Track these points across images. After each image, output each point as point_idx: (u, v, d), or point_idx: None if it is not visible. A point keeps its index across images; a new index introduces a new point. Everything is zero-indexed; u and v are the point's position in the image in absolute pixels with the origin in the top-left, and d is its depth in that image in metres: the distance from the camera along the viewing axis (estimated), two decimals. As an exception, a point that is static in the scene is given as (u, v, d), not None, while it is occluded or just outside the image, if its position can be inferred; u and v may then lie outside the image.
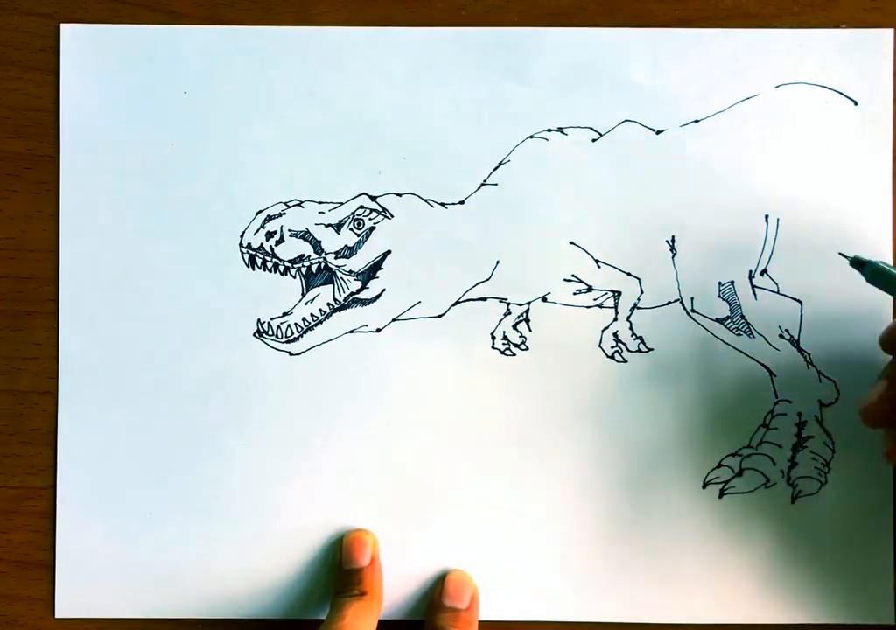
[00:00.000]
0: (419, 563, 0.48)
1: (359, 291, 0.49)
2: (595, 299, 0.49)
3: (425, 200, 0.49)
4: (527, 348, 0.49)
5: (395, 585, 0.48)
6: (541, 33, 0.49)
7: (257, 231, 0.48)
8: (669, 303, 0.49)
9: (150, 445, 0.49)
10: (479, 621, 0.48)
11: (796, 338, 0.48)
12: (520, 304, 0.49)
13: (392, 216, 0.49)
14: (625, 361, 0.49)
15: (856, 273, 0.48)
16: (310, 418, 0.49)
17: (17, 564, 0.49)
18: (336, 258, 0.49)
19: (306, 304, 0.49)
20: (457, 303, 0.49)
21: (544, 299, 0.49)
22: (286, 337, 0.49)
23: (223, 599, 0.49)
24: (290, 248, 0.48)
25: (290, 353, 0.49)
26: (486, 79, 0.49)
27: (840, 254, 0.46)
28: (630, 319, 0.49)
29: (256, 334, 0.49)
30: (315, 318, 0.49)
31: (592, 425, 0.48)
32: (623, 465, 0.48)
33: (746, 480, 0.48)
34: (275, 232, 0.48)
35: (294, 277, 0.49)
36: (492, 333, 0.49)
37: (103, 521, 0.49)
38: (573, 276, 0.49)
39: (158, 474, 0.49)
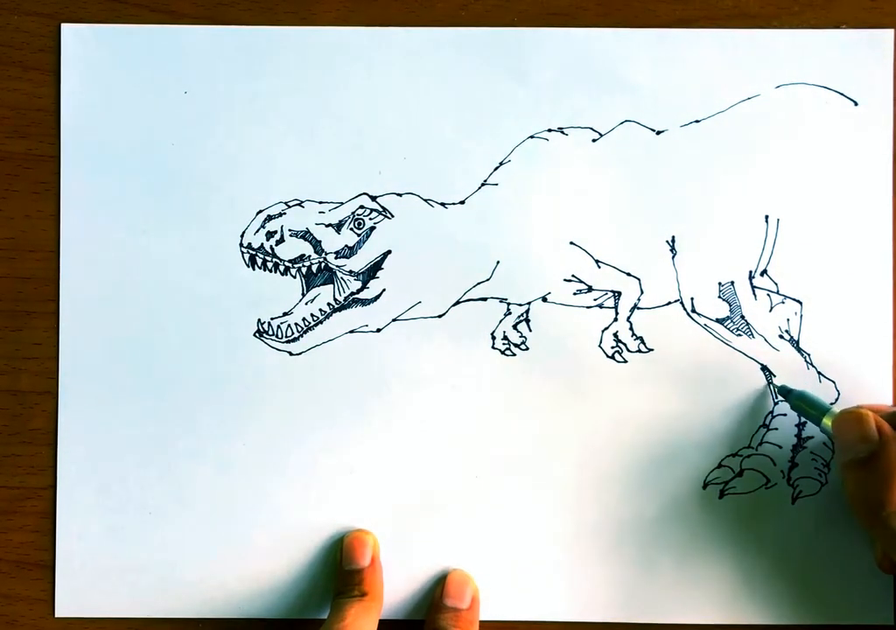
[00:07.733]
0: (420, 563, 0.48)
1: (359, 291, 0.49)
2: (595, 299, 0.49)
3: (425, 200, 0.49)
4: (527, 348, 0.49)
5: (396, 585, 0.48)
6: (541, 33, 0.49)
7: (257, 231, 0.48)
8: (669, 303, 0.49)
9: (149, 445, 0.49)
10: (480, 621, 0.48)
11: (796, 338, 0.48)
12: (520, 304, 0.49)
13: (392, 216, 0.49)
14: (625, 361, 0.49)
15: (856, 272, 0.48)
16: (310, 418, 0.49)
17: (17, 564, 0.49)
18: (336, 258, 0.49)
19: (306, 304, 0.49)
20: (457, 303, 0.49)
21: (544, 299, 0.49)
22: (286, 337, 0.49)
23: (223, 599, 0.49)
24: (291, 248, 0.48)
25: (290, 353, 0.49)
26: (486, 79, 0.49)
27: (769, 383, 0.48)
28: (630, 319, 0.49)
29: (256, 334, 0.49)
30: (315, 318, 0.49)
31: (592, 425, 0.48)
32: (623, 465, 0.48)
33: (747, 481, 0.48)
34: (275, 232, 0.48)
35: (294, 277, 0.49)
36: (492, 333, 0.49)
37: (103, 521, 0.49)
38: (573, 276, 0.49)
39: (158, 474, 0.49)
